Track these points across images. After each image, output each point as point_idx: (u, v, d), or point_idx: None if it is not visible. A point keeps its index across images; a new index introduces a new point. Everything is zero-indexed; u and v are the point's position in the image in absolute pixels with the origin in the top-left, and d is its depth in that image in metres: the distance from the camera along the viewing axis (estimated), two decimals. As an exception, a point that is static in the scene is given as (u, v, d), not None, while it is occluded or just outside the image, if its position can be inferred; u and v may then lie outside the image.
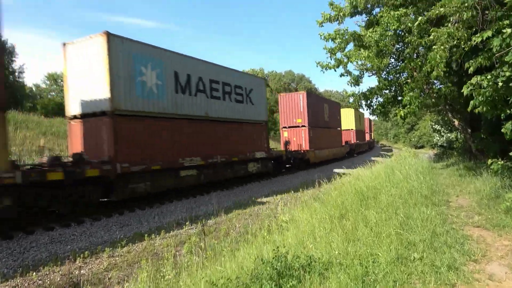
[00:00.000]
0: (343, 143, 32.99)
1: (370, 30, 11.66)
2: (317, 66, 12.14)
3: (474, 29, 6.32)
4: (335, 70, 12.24)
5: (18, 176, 8.00)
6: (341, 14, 12.61)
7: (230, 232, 8.58)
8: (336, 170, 21.21)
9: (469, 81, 6.22)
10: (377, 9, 13.01)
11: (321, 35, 11.94)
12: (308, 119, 23.61)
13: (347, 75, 12.26)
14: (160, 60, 11.98)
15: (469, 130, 14.04)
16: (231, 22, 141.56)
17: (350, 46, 12.72)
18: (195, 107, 13.54)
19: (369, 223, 5.86)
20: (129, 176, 10.80)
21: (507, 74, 5.16)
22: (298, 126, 23.80)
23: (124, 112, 10.65)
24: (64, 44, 11.48)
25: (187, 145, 12.98)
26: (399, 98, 11.85)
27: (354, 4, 12.44)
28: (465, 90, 6.59)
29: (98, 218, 9.93)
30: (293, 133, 23.90)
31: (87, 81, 10.83)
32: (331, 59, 12.26)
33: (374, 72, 12.74)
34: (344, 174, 15.37)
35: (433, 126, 25.23)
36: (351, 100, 13.71)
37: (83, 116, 11.09)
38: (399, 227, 5.40)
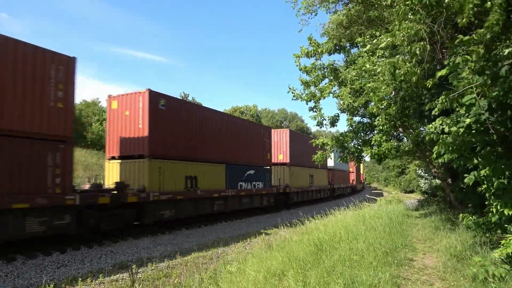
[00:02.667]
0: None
1: (346, 69, 11.20)
2: (288, 92, 11.55)
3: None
4: (306, 103, 11.63)
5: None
6: (319, 50, 12.19)
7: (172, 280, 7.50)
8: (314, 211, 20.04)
9: (428, 126, 5.47)
10: (355, 49, 12.64)
11: (297, 65, 11.43)
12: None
13: (315, 111, 11.61)
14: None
15: (449, 179, 13.25)
16: (228, 59, 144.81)
17: (326, 82, 12.24)
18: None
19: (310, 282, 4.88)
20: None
21: (467, 121, 4.42)
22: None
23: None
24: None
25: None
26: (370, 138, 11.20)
27: (333, 40, 12.06)
28: (427, 136, 5.83)
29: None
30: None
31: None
32: (304, 91, 11.69)
33: (349, 112, 12.13)
34: (318, 217, 14.31)
35: (417, 171, 24.43)
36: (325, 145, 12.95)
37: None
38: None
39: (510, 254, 5.16)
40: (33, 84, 8.83)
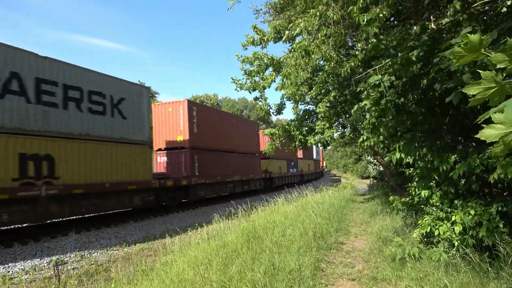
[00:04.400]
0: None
1: (287, 56, 11.08)
2: (232, 82, 11.31)
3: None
4: (250, 92, 11.46)
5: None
6: (264, 38, 12.01)
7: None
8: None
9: (354, 107, 5.50)
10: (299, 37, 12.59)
11: (238, 57, 11.17)
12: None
13: (261, 101, 11.49)
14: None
15: (391, 164, 13.69)
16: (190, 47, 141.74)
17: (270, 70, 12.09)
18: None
19: (231, 272, 4.78)
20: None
21: (372, 120, 4.48)
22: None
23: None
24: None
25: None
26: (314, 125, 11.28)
27: (277, 29, 11.90)
28: (354, 115, 5.86)
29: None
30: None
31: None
32: (247, 81, 11.49)
33: (293, 101, 12.11)
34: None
35: (367, 158, 25.20)
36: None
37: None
38: (258, 280, 4.34)
39: (424, 234, 5.33)
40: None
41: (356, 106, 5.34)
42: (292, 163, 35.87)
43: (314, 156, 50.37)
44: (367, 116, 5.21)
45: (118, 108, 12.94)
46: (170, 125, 17.66)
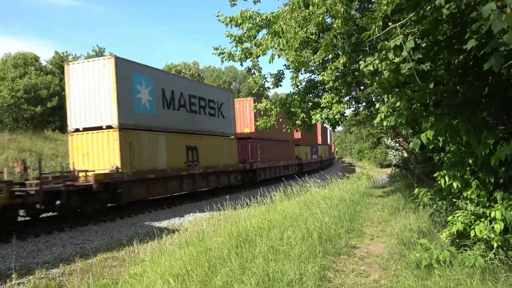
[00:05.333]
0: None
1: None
2: (214, 54, 11.20)
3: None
4: (241, 64, 11.34)
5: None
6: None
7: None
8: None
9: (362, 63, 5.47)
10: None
11: (219, 18, 11.00)
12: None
13: (254, 72, 11.41)
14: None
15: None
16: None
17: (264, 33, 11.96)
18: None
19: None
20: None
21: (396, 60, 4.44)
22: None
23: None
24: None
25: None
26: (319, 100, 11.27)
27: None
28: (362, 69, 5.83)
29: None
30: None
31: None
32: (236, 50, 11.36)
33: (294, 69, 12.05)
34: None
35: (386, 142, 25.28)
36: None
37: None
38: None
39: (455, 233, 5.39)
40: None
41: (363, 64, 5.32)
42: (314, 149, 44.60)
43: (328, 141, 58.31)
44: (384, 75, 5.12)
45: (220, 110, 22.34)
46: (237, 119, 25.30)
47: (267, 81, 12.05)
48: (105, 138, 14.56)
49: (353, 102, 13.23)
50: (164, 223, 13.70)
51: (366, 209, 11.06)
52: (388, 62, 4.57)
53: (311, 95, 12.46)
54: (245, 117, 26.05)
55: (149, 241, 10.26)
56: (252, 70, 11.57)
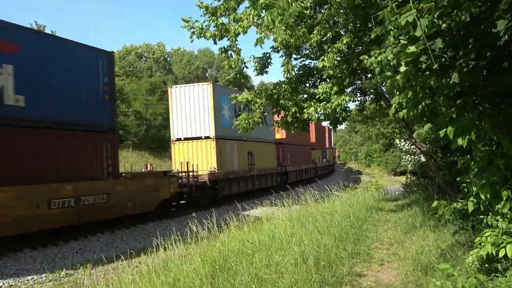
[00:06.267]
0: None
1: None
2: (183, 27, 11.13)
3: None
4: (215, 43, 11.30)
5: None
6: None
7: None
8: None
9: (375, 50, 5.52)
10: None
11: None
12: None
13: (231, 54, 11.39)
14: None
15: (438, 151, 13.95)
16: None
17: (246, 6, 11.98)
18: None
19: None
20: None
21: (411, 49, 4.47)
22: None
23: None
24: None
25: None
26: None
27: None
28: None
29: None
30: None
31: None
32: (210, 25, 11.32)
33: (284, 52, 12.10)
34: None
35: (400, 145, 25.52)
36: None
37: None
38: None
39: (484, 256, 5.45)
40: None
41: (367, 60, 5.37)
42: (323, 153, 56.34)
43: (332, 144, 71.16)
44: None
45: (265, 119, 25.81)
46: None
47: (247, 67, 11.88)
48: (203, 146, 23.80)
49: (358, 94, 13.34)
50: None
51: (374, 227, 11.17)
52: (404, 54, 4.60)
53: (305, 85, 12.54)
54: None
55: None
56: (229, 52, 11.53)
